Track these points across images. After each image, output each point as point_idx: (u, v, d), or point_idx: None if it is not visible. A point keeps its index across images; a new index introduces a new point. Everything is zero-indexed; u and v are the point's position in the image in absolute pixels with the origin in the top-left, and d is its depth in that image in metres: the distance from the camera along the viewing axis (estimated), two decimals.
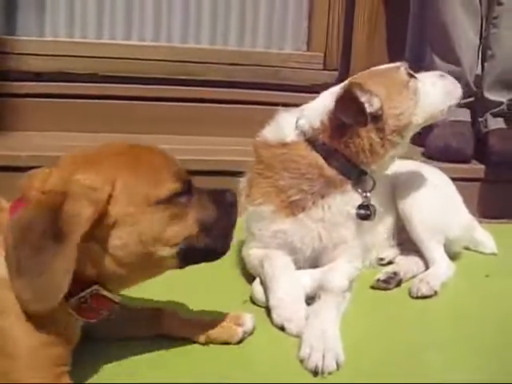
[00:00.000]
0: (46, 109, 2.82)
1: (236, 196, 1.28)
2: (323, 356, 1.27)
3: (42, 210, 1.04)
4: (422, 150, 2.81)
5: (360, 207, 1.63)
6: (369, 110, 1.56)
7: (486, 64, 2.76)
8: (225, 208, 1.24)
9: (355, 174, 1.62)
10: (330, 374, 1.26)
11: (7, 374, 1.04)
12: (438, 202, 1.89)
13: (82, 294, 1.11)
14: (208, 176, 2.43)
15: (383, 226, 1.88)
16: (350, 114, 1.57)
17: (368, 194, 1.64)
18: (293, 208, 1.61)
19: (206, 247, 1.20)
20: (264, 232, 1.65)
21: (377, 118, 1.59)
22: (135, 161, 1.15)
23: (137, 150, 1.19)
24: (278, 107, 1.83)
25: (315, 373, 1.26)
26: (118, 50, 2.91)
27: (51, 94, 2.82)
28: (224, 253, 1.25)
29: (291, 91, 2.93)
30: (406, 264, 1.87)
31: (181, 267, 1.21)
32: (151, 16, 3.00)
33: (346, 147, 1.59)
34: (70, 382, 1.11)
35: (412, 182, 1.91)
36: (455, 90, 1.77)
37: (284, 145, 1.65)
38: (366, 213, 1.63)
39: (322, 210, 1.61)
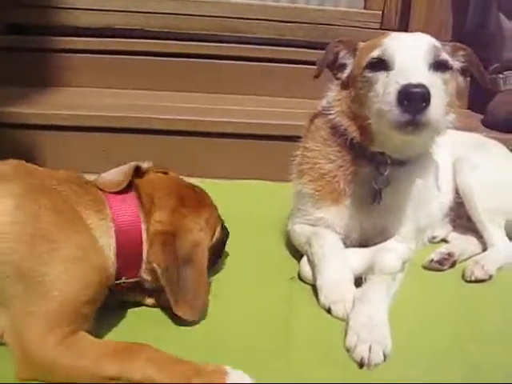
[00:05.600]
0: (92, 64, 2.79)
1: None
2: (370, 347, 1.20)
3: (173, 251, 1.25)
4: (481, 117, 2.68)
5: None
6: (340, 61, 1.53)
7: None
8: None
9: (361, 150, 1.49)
10: (376, 365, 1.19)
11: (30, 314, 1.06)
12: (501, 181, 1.77)
13: (131, 279, 1.28)
14: (253, 140, 2.39)
15: (439, 205, 1.77)
16: (321, 58, 1.53)
17: (380, 177, 1.49)
18: (333, 192, 1.53)
19: None
20: (309, 216, 1.60)
21: (344, 83, 1.52)
22: (207, 207, 1.41)
23: (202, 194, 1.44)
24: None
25: (361, 365, 1.20)
26: (166, 5, 2.83)
27: (98, 49, 2.78)
28: None
29: None
30: (462, 244, 1.77)
31: None
32: None
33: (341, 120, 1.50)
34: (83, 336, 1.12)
35: (473, 157, 1.79)
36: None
37: (316, 115, 1.62)
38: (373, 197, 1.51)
39: (356, 196, 1.53)
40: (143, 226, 1.26)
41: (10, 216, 1.10)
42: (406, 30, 2.83)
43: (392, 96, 1.28)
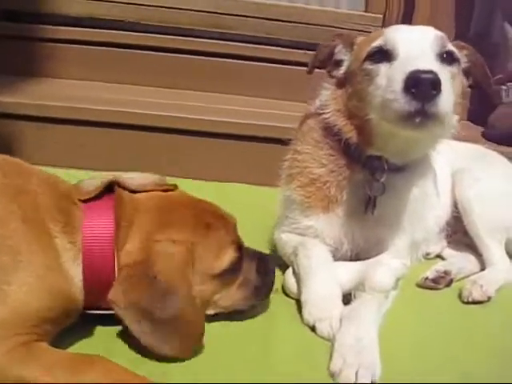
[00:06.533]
0: (82, 56, 2.70)
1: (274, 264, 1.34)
2: (357, 373, 1.09)
3: (138, 285, 1.09)
4: (482, 130, 2.58)
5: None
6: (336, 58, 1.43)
7: None
8: (265, 275, 1.29)
9: (356, 153, 1.38)
10: None
11: None
12: (503, 195, 1.67)
13: (104, 311, 1.13)
14: (242, 141, 2.28)
15: (435, 219, 1.66)
16: (316, 53, 1.44)
17: (375, 184, 1.38)
18: (324, 199, 1.42)
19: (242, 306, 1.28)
20: (296, 224, 1.48)
21: (340, 80, 1.42)
22: (205, 227, 1.18)
23: (205, 212, 1.22)
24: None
25: None
26: None
27: (88, 40, 2.69)
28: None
29: None
30: (459, 262, 1.67)
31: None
32: None
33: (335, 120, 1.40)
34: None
35: (473, 169, 1.69)
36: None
37: (308, 115, 1.52)
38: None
39: (348, 204, 1.42)
40: (116, 255, 1.13)
41: None
42: None
43: (398, 84, 1.18)
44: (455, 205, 1.68)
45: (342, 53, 1.42)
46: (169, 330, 1.09)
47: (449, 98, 1.19)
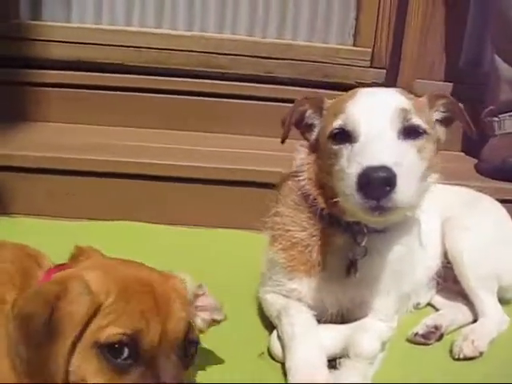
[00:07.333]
0: (68, 99, 2.67)
1: None
2: None
3: (39, 302, 0.98)
4: (475, 161, 2.54)
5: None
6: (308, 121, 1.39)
7: None
8: None
9: (334, 220, 1.35)
10: None
11: None
12: (493, 243, 1.63)
13: None
14: (240, 187, 2.24)
15: (424, 271, 1.62)
16: (286, 118, 1.38)
17: (357, 247, 1.34)
18: (306, 263, 1.38)
19: None
20: (280, 286, 1.44)
21: (312, 145, 1.39)
22: (127, 296, 0.99)
23: (145, 281, 1.03)
24: None
25: None
26: (147, 40, 2.71)
27: (74, 84, 2.66)
28: None
29: (334, 89, 2.67)
30: (450, 314, 1.61)
31: None
32: (184, 3, 2.79)
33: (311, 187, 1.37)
34: None
35: (463, 217, 1.65)
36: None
37: (288, 175, 1.48)
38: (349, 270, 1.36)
39: (331, 267, 1.38)
40: None
41: None
42: (397, 69, 2.72)
43: (352, 179, 1.15)
44: (445, 255, 1.64)
45: (312, 117, 1.38)
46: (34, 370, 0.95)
47: (408, 186, 1.15)
